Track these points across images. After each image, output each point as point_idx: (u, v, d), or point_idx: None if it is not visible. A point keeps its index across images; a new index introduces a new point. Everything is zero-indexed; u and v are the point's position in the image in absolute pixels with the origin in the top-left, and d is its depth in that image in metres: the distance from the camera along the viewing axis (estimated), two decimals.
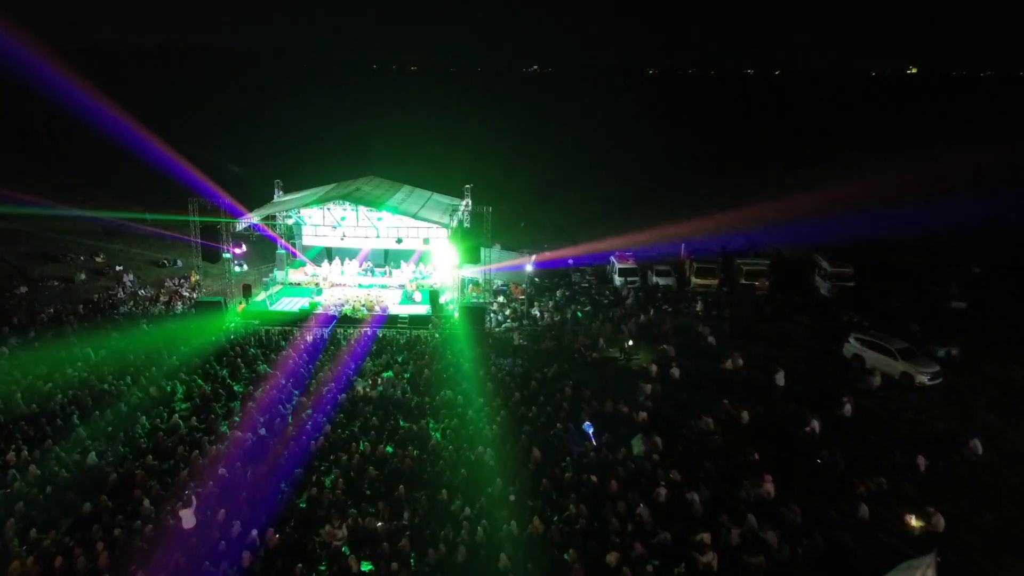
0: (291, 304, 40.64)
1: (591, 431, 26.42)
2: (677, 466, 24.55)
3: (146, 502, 21.74)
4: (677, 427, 28.02)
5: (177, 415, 27.87)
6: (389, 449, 25.69)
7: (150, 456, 24.52)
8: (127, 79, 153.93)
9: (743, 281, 46.22)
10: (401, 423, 27.72)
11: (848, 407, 29.57)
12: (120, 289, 43.42)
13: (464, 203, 45.67)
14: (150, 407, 28.43)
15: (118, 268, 47.83)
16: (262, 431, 26.49)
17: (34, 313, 38.84)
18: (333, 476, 23.93)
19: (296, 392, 30.11)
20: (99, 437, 26.11)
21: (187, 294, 42.81)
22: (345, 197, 41.23)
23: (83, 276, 46.27)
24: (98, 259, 50.56)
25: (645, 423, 27.98)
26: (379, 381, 30.87)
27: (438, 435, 26.97)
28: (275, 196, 46.38)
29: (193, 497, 21.24)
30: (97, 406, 28.06)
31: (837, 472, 25.03)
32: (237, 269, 41.41)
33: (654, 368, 33.14)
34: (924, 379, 32.32)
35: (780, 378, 31.90)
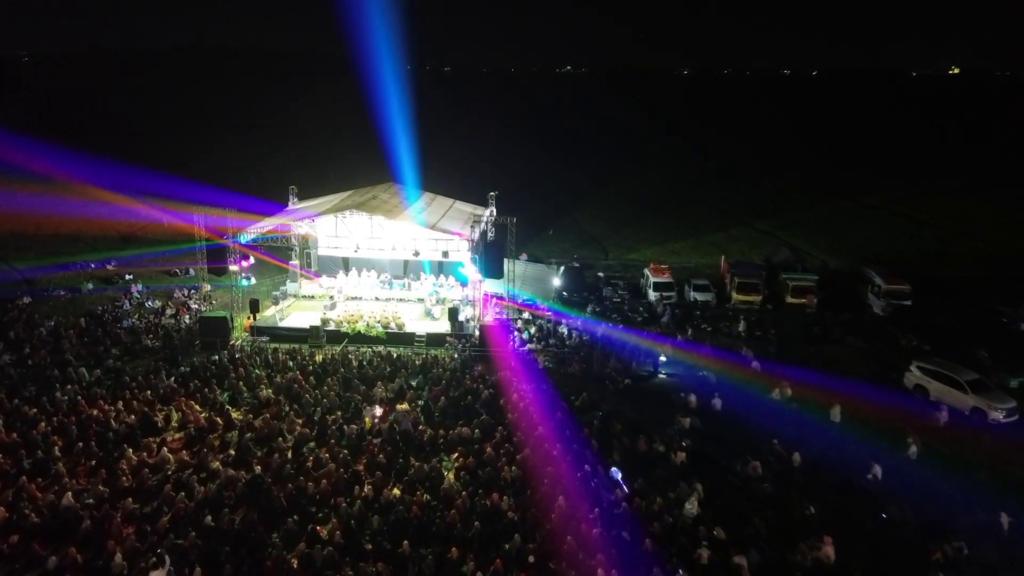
0: (302, 320, 38.12)
1: (619, 476, 23.48)
2: (721, 521, 21.49)
3: (118, 556, 19.22)
4: (720, 471, 24.95)
5: (167, 448, 25.41)
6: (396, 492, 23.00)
7: (131, 499, 22.05)
8: (138, 80, 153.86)
9: (789, 298, 42.65)
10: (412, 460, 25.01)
11: (914, 449, 26.23)
12: (127, 300, 41.34)
13: (488, 211, 42.90)
14: (139, 437, 26.05)
15: (127, 277, 45.82)
16: (257, 468, 23.95)
17: (33, 326, 36.87)
18: (331, 526, 21.29)
19: (299, 422, 27.52)
20: (80, 473, 23.84)
21: (195, 306, 40.58)
22: (360, 206, 38.66)
23: (90, 285, 44.35)
24: (109, 267, 48.69)
25: (684, 465, 24.97)
26: (390, 411, 28.19)
27: (451, 476, 24.21)
28: (289, 202, 44.06)
29: (166, 556, 18.68)
30: (83, 435, 25.80)
31: (907, 532, 21.79)
32: (244, 282, 38.97)
33: (693, 398, 30.01)
34: (999, 415, 28.84)
35: (836, 413, 28.56)
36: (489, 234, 39.83)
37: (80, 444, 25.16)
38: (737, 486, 24.20)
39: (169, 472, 23.83)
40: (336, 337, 36.29)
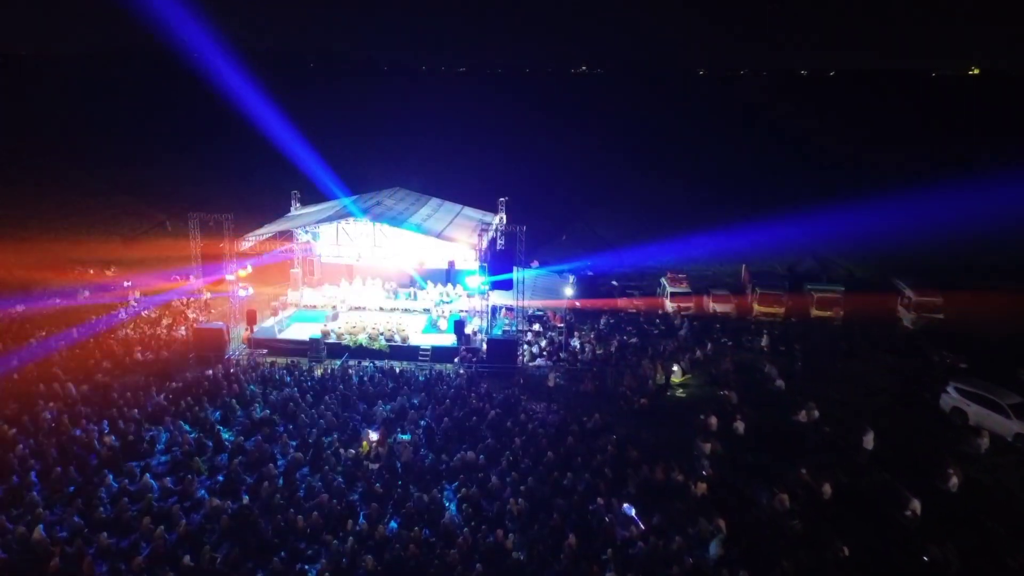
0: (303, 331, 36.46)
1: (633, 513, 21.57)
2: (746, 563, 19.55)
3: None
4: (744, 504, 23.00)
5: (150, 474, 23.78)
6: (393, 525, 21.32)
7: (105, 534, 20.38)
8: (142, 80, 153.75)
9: (815, 311, 40.52)
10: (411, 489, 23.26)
11: (954, 480, 24.13)
12: (123, 309, 39.87)
13: (497, 218, 41.13)
14: (122, 461, 24.46)
15: (126, 284, 44.33)
16: (245, 499, 22.29)
17: (24, 337, 35.45)
18: (321, 566, 19.57)
19: (293, 444, 25.85)
20: (56, 501, 22.26)
21: (193, 316, 39.03)
22: (363, 213, 37.00)
23: (87, 292, 42.90)
24: (109, 272, 47.32)
25: (705, 497, 23.06)
26: (389, 433, 26.46)
27: (453, 507, 22.43)
28: (292, 208, 42.53)
29: None
30: (63, 458, 24.24)
31: None
32: (242, 293, 37.38)
33: (714, 421, 28.04)
34: None
35: (869, 440, 26.45)
36: (499, 242, 38.07)
37: (59, 469, 23.55)
38: (763, 521, 22.25)
39: (151, 501, 22.19)
40: (337, 350, 34.63)
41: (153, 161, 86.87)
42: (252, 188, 66.55)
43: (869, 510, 22.89)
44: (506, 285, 35.71)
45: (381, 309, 39.47)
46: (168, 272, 46.12)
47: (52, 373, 31.14)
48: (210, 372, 31.77)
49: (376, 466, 24.51)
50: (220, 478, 23.85)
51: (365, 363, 33.37)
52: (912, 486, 23.50)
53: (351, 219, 37.57)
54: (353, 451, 25.10)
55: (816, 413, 28.91)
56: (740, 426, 27.89)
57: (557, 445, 25.76)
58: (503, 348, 33.84)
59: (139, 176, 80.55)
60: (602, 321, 40.01)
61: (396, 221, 37.53)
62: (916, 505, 22.53)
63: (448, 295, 39.88)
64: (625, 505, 21.71)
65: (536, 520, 21.35)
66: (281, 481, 23.56)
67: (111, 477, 23.30)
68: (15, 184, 71.70)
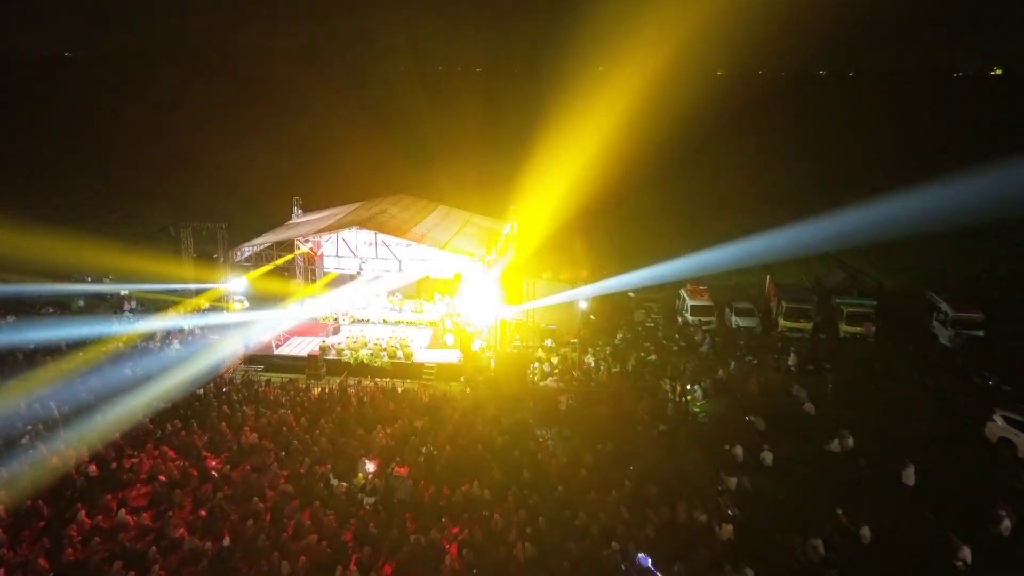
0: (302, 346, 34.59)
1: (649, 563, 19.40)
2: None
3: None
4: (774, 550, 20.82)
5: (128, 507, 21.97)
6: None
7: None
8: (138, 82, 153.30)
9: (844, 326, 38.07)
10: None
11: (1006, 523, 21.87)
12: (116, 321, 38.22)
13: (508, 227, 39.11)
14: (98, 492, 22.66)
15: (123, 293, 42.67)
16: (226, 541, 20.38)
17: (11, 350, 33.83)
18: None
19: (283, 474, 23.97)
20: (24, 539, 20.49)
21: (187, 329, 37.23)
22: (365, 222, 35.11)
23: (81, 302, 41.32)
24: (107, 280, 45.68)
25: (731, 542, 20.92)
26: (386, 463, 24.50)
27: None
28: (293, 215, 40.71)
29: None
30: (34, 489, 22.46)
31: None
32: (238, 306, 35.60)
33: (740, 452, 25.86)
34: None
35: (909, 475, 24.20)
36: (509, 252, 36.09)
37: (29, 502, 21.79)
38: (796, 571, 20.09)
39: (124, 541, 20.33)
40: (337, 367, 32.74)
41: (158, 164, 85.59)
42: (253, 192, 64.87)
43: (914, 558, 20.67)
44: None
45: (385, 322, 37.56)
46: (166, 283, 44.46)
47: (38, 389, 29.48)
48: (201, 391, 29.96)
49: (371, 500, 22.60)
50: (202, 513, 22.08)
51: (366, 381, 31.49)
52: (960, 529, 21.27)
53: (353, 228, 35.64)
54: (346, 484, 23.19)
55: (850, 442, 26.74)
56: (768, 457, 25.73)
57: (569, 479, 23.74)
58: (512, 366, 31.85)
59: (144, 178, 79.32)
60: (618, 336, 37.83)
61: (401, 231, 35.62)
62: (966, 553, 20.33)
63: (455, 308, 37.82)
64: (641, 556, 19.51)
65: (545, 568, 19.33)
66: (268, 518, 21.71)
67: (84, 512, 21.51)
68: (18, 186, 70.53)
